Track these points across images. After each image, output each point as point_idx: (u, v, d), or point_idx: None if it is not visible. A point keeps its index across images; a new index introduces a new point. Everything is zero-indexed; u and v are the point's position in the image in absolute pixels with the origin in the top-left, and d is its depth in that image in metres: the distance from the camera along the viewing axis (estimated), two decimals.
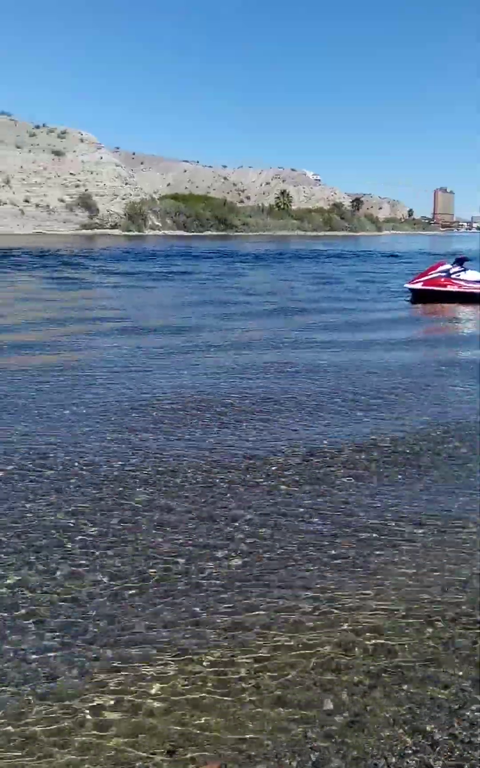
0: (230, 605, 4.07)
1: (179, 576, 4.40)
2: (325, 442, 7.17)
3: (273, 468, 6.37)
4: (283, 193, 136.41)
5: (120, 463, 6.42)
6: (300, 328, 15.62)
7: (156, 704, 3.24)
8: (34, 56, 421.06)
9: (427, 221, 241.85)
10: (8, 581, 4.30)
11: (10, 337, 13.40)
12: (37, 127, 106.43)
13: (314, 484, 6.00)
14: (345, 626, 3.88)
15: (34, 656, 3.58)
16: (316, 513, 5.40)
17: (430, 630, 3.86)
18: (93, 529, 5.07)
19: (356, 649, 3.69)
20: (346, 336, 14.55)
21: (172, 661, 3.55)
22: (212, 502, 5.60)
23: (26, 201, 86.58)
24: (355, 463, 6.53)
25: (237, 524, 5.18)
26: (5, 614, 3.96)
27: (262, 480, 6.08)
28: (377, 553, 4.77)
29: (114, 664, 3.52)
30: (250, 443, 7.09)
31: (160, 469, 6.27)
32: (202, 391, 9.32)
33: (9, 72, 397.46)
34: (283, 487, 5.94)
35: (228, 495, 5.73)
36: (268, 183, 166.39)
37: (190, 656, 3.59)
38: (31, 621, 3.90)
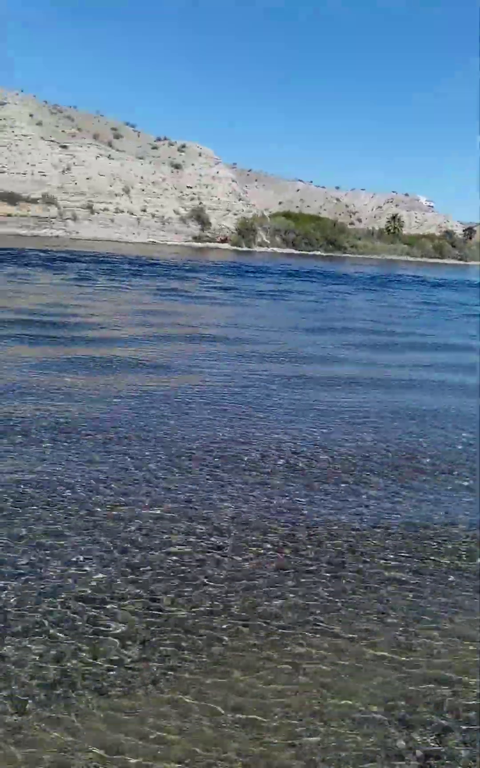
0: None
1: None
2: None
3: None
4: (394, 217, 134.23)
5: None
6: (404, 364, 14.81)
7: None
8: (165, 76, 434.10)
9: None
10: None
11: (121, 353, 13.29)
12: (159, 139, 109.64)
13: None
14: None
15: None
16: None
17: None
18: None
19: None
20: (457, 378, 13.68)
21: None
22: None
23: (143, 210, 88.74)
24: None
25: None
26: None
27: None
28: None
29: None
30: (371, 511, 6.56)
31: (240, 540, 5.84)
32: (308, 443, 8.82)
33: (138, 87, 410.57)
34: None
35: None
36: (380, 207, 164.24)
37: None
38: None
